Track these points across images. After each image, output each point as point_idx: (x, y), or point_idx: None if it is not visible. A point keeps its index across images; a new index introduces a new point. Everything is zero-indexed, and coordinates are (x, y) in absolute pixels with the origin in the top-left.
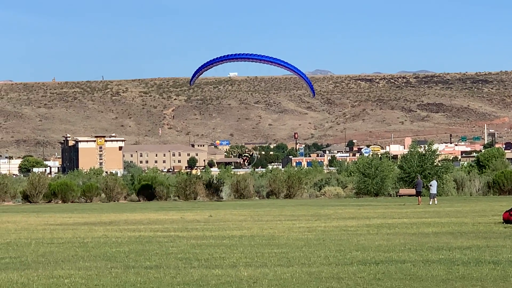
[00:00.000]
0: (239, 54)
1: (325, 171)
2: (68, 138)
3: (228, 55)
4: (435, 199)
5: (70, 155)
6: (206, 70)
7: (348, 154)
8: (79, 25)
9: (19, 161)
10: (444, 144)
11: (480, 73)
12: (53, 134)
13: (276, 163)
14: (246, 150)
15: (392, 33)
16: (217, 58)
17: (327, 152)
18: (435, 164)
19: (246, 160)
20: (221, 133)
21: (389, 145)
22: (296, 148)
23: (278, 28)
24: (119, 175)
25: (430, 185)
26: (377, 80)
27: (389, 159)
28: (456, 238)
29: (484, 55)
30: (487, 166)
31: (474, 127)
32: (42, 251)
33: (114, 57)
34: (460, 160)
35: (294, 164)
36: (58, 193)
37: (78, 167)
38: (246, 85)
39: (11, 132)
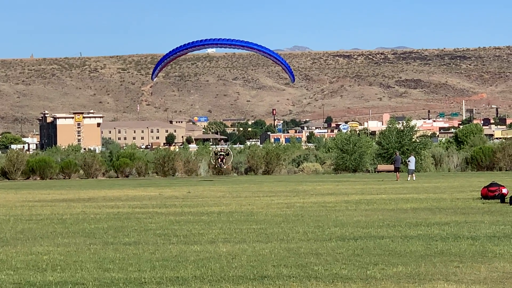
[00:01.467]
0: (206, 40)
1: (303, 147)
2: (46, 115)
3: (195, 42)
4: (413, 175)
5: (48, 132)
6: (172, 61)
7: (326, 130)
8: (57, 0)
9: None
10: (422, 120)
11: (458, 49)
12: (31, 111)
13: (254, 139)
14: (222, 149)
15: (370, 9)
16: (182, 46)
17: (305, 128)
18: (413, 140)
19: (222, 159)
20: (199, 110)
21: (367, 121)
22: (274, 124)
23: (256, 4)
24: (97, 151)
25: (408, 161)
26: (355, 56)
27: (367, 135)
28: (435, 214)
29: (462, 31)
30: (465, 142)
31: (452, 103)
32: (20, 228)
33: (92, 34)
34: (438, 136)
35: (272, 140)
36: (36, 169)
37: (56, 143)
38: (224, 61)
39: None
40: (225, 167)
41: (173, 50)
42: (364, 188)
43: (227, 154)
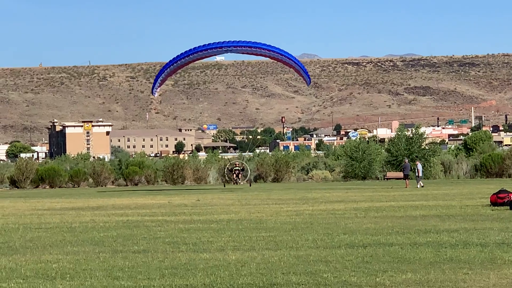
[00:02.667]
0: (218, 44)
1: (313, 155)
2: (55, 124)
3: (206, 46)
4: (421, 182)
5: (57, 140)
6: (178, 69)
7: (335, 138)
8: (66, 9)
9: (6, 146)
10: (431, 127)
11: (467, 56)
12: (40, 120)
13: (263, 147)
14: (237, 163)
15: (378, 17)
16: (189, 51)
17: (315, 136)
18: (422, 147)
19: (237, 175)
20: (208, 118)
21: (376, 129)
22: (283, 132)
23: (265, 12)
24: (106, 160)
25: (417, 168)
26: (364, 63)
27: (376, 143)
28: (444, 221)
29: (471, 38)
30: (474, 149)
31: (461, 110)
32: (29, 236)
33: (101, 42)
34: (447, 143)
35: (281, 148)
36: (45, 178)
37: (65, 152)
38: (233, 69)
39: None
40: (241, 183)
41: (177, 57)
42: (373, 195)
43: (243, 169)
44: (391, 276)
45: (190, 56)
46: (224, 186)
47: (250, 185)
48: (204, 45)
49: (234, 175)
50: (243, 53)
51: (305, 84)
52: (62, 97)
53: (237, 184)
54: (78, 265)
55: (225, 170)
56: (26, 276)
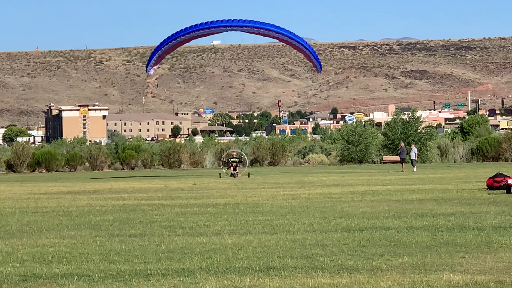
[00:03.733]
0: (223, 22)
1: (309, 138)
2: (51, 107)
3: (209, 24)
4: (415, 166)
5: (53, 124)
6: (175, 48)
7: (331, 122)
8: None
9: (2, 130)
10: (428, 111)
11: (463, 39)
12: (37, 104)
13: (260, 131)
14: (233, 153)
15: (375, 0)
16: (191, 28)
17: (311, 119)
18: (419, 131)
19: (234, 168)
20: (204, 101)
21: (372, 112)
22: (279, 116)
23: None
24: (103, 144)
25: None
26: (361, 47)
27: (373, 126)
28: (440, 205)
29: (467, 21)
30: (470, 133)
31: (458, 94)
32: (26, 220)
33: (97, 26)
34: (443, 127)
35: (278, 132)
36: (42, 162)
37: (62, 136)
38: (229, 53)
39: None
40: (239, 175)
41: (177, 33)
42: (369, 179)
43: (240, 161)
44: (387, 260)
45: (191, 33)
46: (220, 176)
47: (249, 176)
48: (207, 23)
49: (232, 168)
50: (249, 33)
51: (301, 67)
52: (59, 81)
53: (234, 177)
54: (75, 249)
55: (221, 161)
56: (23, 260)
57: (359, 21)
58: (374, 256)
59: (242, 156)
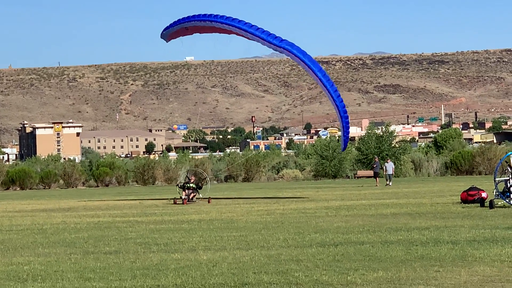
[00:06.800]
0: (234, 21)
1: (283, 154)
2: (25, 125)
3: (224, 19)
4: (391, 181)
5: (27, 142)
6: (186, 28)
7: (305, 137)
8: (35, 10)
9: None
10: (402, 125)
11: (436, 53)
12: (10, 121)
13: (234, 147)
14: (192, 178)
15: (347, 15)
16: (211, 17)
17: (285, 135)
18: (393, 145)
19: (191, 196)
20: (178, 118)
21: None
22: (253, 131)
23: (233, 10)
24: (77, 161)
25: (386, 166)
26: (334, 62)
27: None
28: (415, 219)
29: (440, 36)
30: (444, 147)
31: (431, 107)
32: (0, 238)
33: (71, 43)
34: (417, 141)
35: (252, 147)
36: (16, 180)
37: (36, 153)
38: (202, 69)
39: None
40: (196, 200)
41: (196, 16)
42: (344, 194)
43: (199, 188)
44: (362, 275)
45: (211, 22)
46: (174, 202)
47: (209, 202)
48: (229, 18)
49: (184, 193)
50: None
51: (274, 83)
52: (32, 98)
53: (183, 203)
54: (50, 266)
55: (176, 185)
56: None
57: (332, 36)
58: (349, 271)
59: (204, 180)
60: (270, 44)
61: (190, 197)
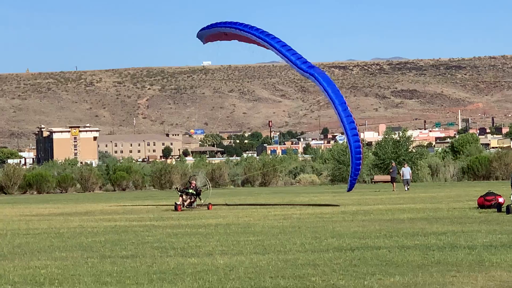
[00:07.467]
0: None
1: (300, 158)
2: (42, 129)
3: (253, 30)
4: (408, 185)
5: (44, 146)
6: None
7: (322, 142)
8: (52, 15)
9: None
10: (418, 130)
11: (453, 59)
12: (28, 125)
13: (250, 152)
14: (193, 182)
15: (365, 20)
16: (242, 27)
17: (302, 139)
18: (410, 150)
19: (190, 203)
20: (195, 122)
21: (363, 132)
22: (270, 136)
23: (250, 14)
24: (94, 165)
25: (403, 171)
26: (351, 67)
27: (364, 146)
28: (431, 224)
29: (457, 41)
30: (461, 152)
31: (448, 113)
32: (18, 242)
33: (88, 47)
34: (434, 146)
35: (268, 152)
36: (33, 184)
37: (53, 158)
38: (219, 74)
39: None
40: (197, 207)
41: (228, 24)
42: (360, 198)
43: (198, 194)
44: (379, 279)
45: (245, 32)
46: (176, 208)
47: (209, 208)
48: (258, 30)
49: (180, 199)
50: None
51: (292, 88)
52: (49, 102)
53: (176, 209)
54: (67, 270)
55: (175, 188)
56: (14, 282)
57: (349, 41)
58: (366, 275)
59: (205, 186)
60: (298, 68)
61: (187, 203)
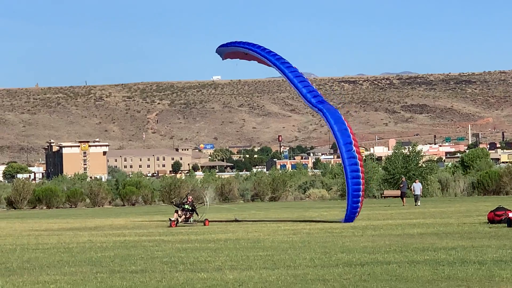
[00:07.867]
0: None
1: (310, 173)
2: (52, 144)
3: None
4: (418, 201)
5: (54, 161)
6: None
7: (332, 156)
8: (61, 30)
9: (3, 167)
10: (428, 145)
11: (463, 73)
12: (37, 140)
13: (260, 166)
14: (189, 198)
15: (375, 35)
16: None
17: (312, 154)
18: (420, 165)
19: (186, 218)
20: (205, 137)
21: (373, 147)
22: (280, 151)
23: (260, 30)
24: (103, 180)
25: (414, 187)
26: (361, 82)
27: (374, 161)
28: (441, 239)
29: (467, 55)
30: (471, 167)
31: (458, 127)
32: (27, 257)
33: (97, 62)
34: (444, 160)
35: (278, 167)
36: (42, 198)
37: (62, 172)
38: (229, 88)
39: None
40: (193, 222)
41: (241, 44)
42: (370, 213)
43: (193, 210)
44: None
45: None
46: (170, 224)
47: (205, 224)
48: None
49: (176, 214)
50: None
51: (301, 102)
52: (59, 117)
53: (170, 225)
54: (76, 285)
55: (171, 202)
56: None
57: (359, 55)
58: None
59: (203, 202)
60: (308, 102)
61: (181, 219)
